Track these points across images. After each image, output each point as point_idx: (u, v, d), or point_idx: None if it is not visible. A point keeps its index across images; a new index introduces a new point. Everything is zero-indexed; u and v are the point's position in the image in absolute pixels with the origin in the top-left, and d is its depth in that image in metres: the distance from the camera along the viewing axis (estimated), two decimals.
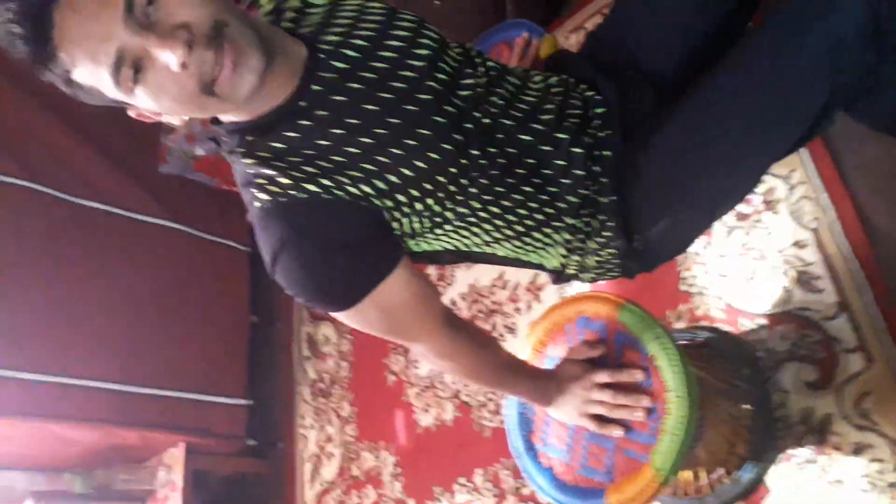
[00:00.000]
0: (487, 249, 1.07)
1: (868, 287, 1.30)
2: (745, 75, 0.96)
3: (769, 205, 1.44)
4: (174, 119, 0.88)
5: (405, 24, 0.97)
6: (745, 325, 1.43)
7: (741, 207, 1.47)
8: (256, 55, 0.82)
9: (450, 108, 0.94)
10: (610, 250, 1.07)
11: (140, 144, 2.49)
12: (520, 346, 1.27)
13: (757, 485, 1.36)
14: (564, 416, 1.17)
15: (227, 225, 2.69)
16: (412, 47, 0.95)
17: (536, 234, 1.05)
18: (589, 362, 1.17)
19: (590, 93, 1.08)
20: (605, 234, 1.05)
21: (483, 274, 2.05)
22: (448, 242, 1.04)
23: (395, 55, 0.94)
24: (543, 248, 1.08)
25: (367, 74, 0.92)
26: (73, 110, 2.17)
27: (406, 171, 0.90)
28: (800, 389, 1.34)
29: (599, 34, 1.19)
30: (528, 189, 1.00)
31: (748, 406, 1.35)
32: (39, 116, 2.24)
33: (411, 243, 1.00)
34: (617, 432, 1.12)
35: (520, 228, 1.03)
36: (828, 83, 0.91)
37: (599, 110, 1.06)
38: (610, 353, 1.17)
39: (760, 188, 1.45)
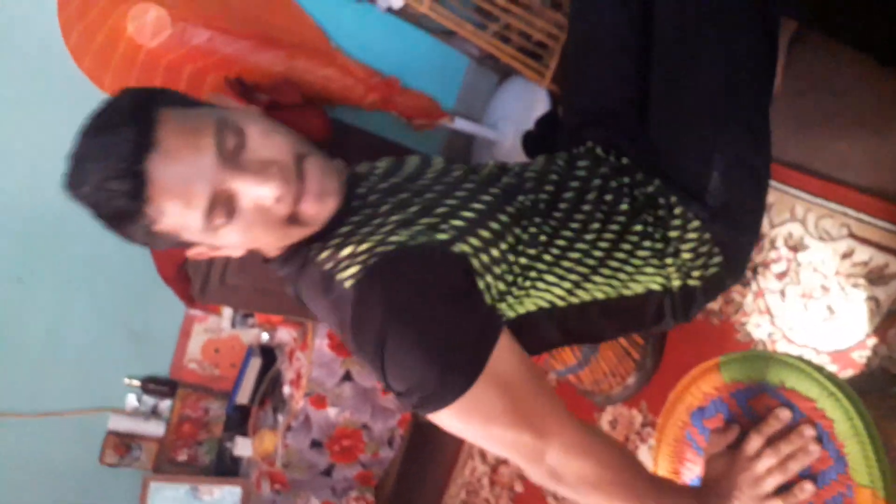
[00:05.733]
0: (584, 295, 1.00)
1: None
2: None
3: (796, 248, 1.41)
4: (237, 252, 0.92)
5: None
6: (861, 355, 1.30)
7: (776, 267, 1.44)
8: (334, 180, 0.89)
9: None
10: (693, 226, 1.03)
11: None
12: None
13: None
14: None
15: None
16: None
17: (618, 255, 1.00)
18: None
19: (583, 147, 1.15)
20: (676, 211, 1.03)
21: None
22: (539, 297, 0.97)
23: None
24: (636, 270, 1.02)
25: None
26: None
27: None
28: None
29: (567, 109, 1.28)
30: (579, 218, 1.00)
31: None
32: None
33: (503, 307, 0.94)
34: (808, 487, 0.93)
35: (598, 254, 0.99)
36: None
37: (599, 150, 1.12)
38: (743, 420, 1.03)
39: (778, 241, 1.43)
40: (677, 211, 1.03)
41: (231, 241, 0.87)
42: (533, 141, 1.37)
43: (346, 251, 0.88)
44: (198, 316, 2.26)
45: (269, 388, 2.30)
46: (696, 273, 1.05)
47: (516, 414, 0.86)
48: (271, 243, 0.92)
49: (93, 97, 1.74)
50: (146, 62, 1.67)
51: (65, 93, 1.77)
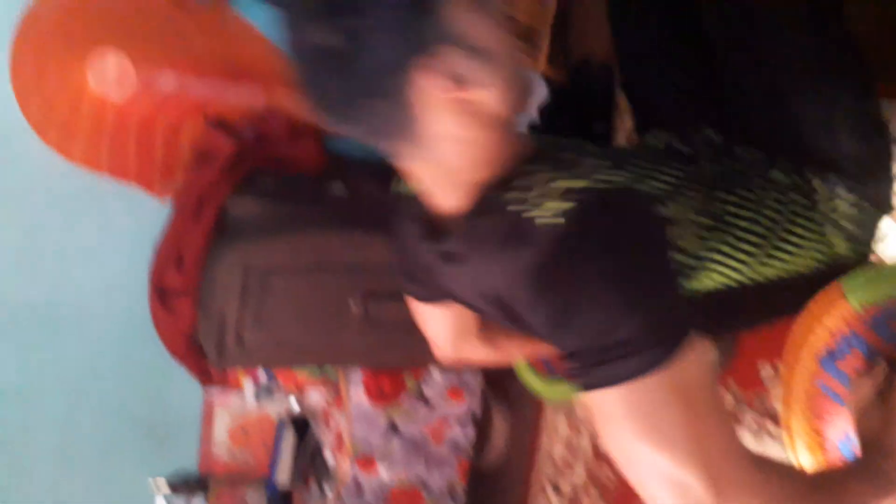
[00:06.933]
0: (768, 271, 0.90)
1: None
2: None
3: None
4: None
5: None
6: None
7: None
8: None
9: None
10: (848, 200, 0.94)
11: None
12: (796, 458, 0.93)
13: None
14: None
15: None
16: None
17: (782, 232, 0.91)
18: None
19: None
20: (815, 184, 0.95)
21: None
22: (717, 270, 0.85)
23: None
24: (804, 237, 0.93)
25: None
26: None
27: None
28: None
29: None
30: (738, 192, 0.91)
31: None
32: None
33: (683, 282, 0.81)
34: None
35: (765, 222, 0.90)
36: None
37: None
38: (889, 349, 0.86)
39: None
40: (817, 185, 0.95)
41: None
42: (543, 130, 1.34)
43: (543, 190, 0.76)
44: (218, 396, 2.09)
45: (310, 460, 2.12)
46: (862, 238, 0.97)
47: (689, 441, 0.68)
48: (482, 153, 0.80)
49: (69, 176, 1.69)
50: (116, 123, 1.55)
51: (37, 173, 1.64)
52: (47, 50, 1.52)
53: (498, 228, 0.79)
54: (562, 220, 0.73)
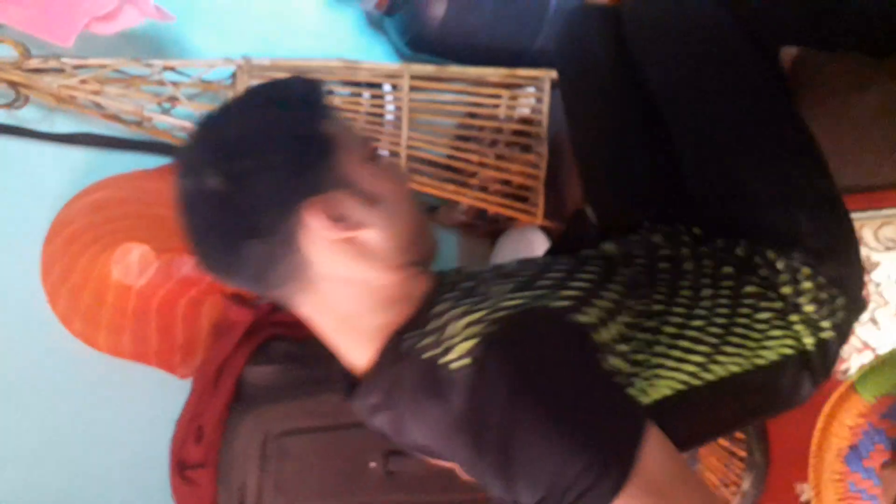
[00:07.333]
0: (718, 370, 0.85)
1: None
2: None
3: (866, 270, 1.28)
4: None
5: None
6: None
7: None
8: None
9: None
10: (804, 275, 0.93)
11: None
12: None
13: None
14: None
15: None
16: None
17: (740, 320, 0.89)
18: None
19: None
20: (779, 266, 0.93)
21: None
22: (671, 376, 0.82)
23: None
24: (763, 336, 0.90)
25: None
26: None
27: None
28: None
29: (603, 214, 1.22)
30: (685, 285, 0.91)
31: None
32: None
33: (633, 392, 0.77)
34: None
35: (720, 321, 0.88)
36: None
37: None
38: None
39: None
40: (780, 266, 0.93)
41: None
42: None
43: (451, 329, 0.73)
44: None
45: None
46: (824, 323, 0.93)
47: None
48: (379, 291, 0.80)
49: (92, 363, 1.73)
50: (138, 307, 1.61)
51: (55, 361, 1.69)
52: (75, 247, 1.62)
53: (415, 379, 0.75)
54: (468, 361, 0.70)
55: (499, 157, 1.87)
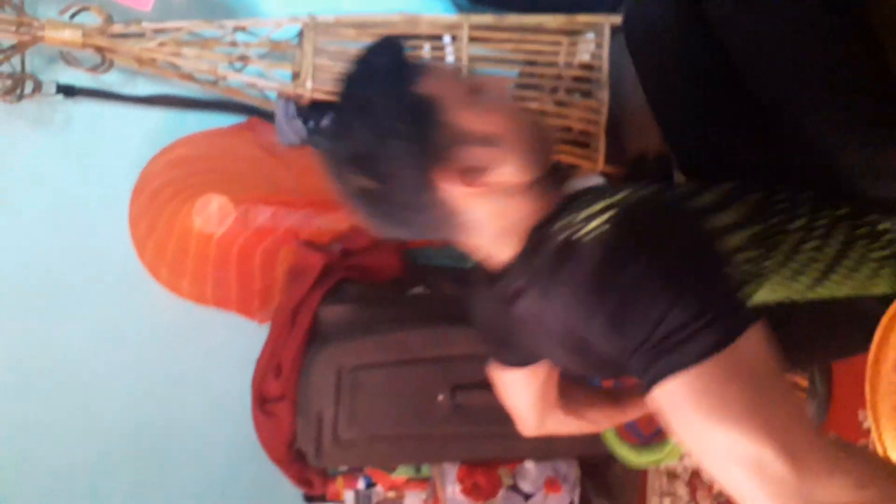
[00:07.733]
0: (824, 291, 0.90)
1: None
2: None
3: None
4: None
5: None
6: None
7: None
8: None
9: None
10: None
11: None
12: None
13: None
14: None
15: None
16: None
17: (852, 254, 0.91)
18: None
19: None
20: (880, 228, 0.93)
21: None
22: (778, 284, 0.87)
23: None
24: (878, 266, 0.92)
25: None
26: None
27: None
28: None
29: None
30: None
31: None
32: None
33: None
34: None
35: (830, 250, 0.90)
36: None
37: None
38: None
39: None
40: (882, 227, 0.94)
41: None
42: None
43: (587, 212, 0.80)
44: None
45: None
46: None
47: (759, 417, 0.66)
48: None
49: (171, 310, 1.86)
50: (218, 255, 1.72)
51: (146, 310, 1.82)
52: (158, 201, 1.74)
53: (550, 255, 0.82)
54: (606, 227, 0.76)
55: (559, 103, 1.88)
